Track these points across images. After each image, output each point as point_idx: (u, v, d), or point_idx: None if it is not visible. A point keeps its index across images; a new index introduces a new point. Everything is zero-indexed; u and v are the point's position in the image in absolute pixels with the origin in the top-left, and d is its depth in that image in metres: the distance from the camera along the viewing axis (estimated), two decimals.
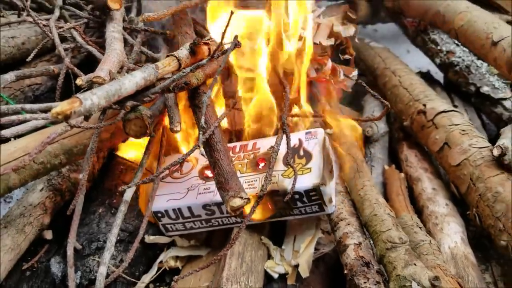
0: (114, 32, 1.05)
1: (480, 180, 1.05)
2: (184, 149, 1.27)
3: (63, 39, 1.29)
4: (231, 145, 1.21)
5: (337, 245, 1.04)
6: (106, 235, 1.11)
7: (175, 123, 1.01)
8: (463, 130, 1.18)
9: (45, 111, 0.94)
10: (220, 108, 1.27)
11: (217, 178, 0.96)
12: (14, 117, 0.86)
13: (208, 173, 1.15)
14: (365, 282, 0.91)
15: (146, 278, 1.14)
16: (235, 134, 1.30)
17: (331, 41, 1.48)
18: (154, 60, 1.19)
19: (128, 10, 1.40)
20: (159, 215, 1.13)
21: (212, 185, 1.09)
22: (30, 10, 1.14)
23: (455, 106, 1.59)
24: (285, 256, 1.13)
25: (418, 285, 0.86)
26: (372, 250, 1.00)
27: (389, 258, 0.93)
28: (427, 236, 1.04)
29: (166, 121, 1.13)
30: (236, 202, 0.91)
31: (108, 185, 1.25)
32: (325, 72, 1.27)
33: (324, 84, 1.41)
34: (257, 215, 1.10)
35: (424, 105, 1.30)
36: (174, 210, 1.11)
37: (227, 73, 1.32)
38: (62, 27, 1.19)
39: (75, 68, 1.10)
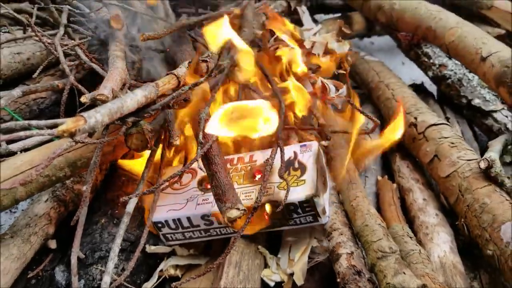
0: (116, 50, 1.10)
1: (468, 191, 1.09)
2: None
3: (66, 54, 1.34)
4: (229, 157, 1.25)
5: (330, 254, 1.08)
6: (108, 244, 1.16)
7: (174, 137, 1.05)
8: (452, 143, 1.22)
9: (51, 127, 0.98)
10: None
11: (214, 190, 1.01)
12: (22, 133, 0.90)
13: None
14: None
15: (147, 286, 1.18)
16: None
17: (327, 58, 1.53)
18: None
19: (130, 27, 1.45)
20: (160, 225, 1.17)
21: (210, 196, 1.13)
22: (35, 27, 1.19)
23: (447, 118, 1.64)
24: (281, 265, 1.17)
25: None
26: (364, 259, 1.04)
27: (380, 267, 0.97)
28: (417, 245, 1.08)
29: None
30: (233, 213, 0.96)
31: (110, 196, 1.29)
32: (315, 89, 1.32)
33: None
34: (255, 226, 1.15)
35: (415, 118, 1.35)
36: (174, 220, 1.15)
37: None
38: (66, 44, 1.24)
39: (79, 85, 1.14)
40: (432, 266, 1.03)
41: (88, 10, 1.50)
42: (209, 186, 1.17)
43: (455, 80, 1.67)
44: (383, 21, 1.77)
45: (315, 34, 1.71)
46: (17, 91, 1.14)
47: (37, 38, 1.18)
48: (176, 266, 1.22)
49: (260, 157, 1.22)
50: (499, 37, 1.77)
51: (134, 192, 1.05)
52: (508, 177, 1.09)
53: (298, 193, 1.07)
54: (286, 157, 1.16)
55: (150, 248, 1.20)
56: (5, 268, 1.05)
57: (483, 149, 1.42)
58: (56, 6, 1.49)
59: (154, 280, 1.19)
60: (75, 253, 1.02)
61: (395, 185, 1.35)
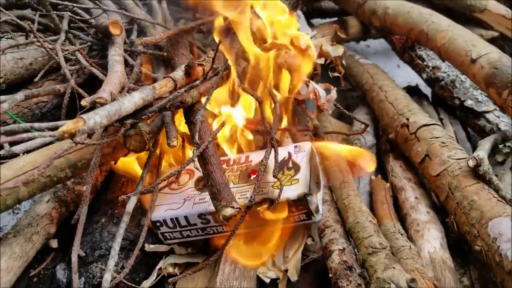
0: (115, 55, 1.13)
1: (457, 189, 1.12)
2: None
3: (67, 59, 1.38)
4: (225, 158, 1.28)
5: (323, 250, 1.11)
6: (108, 243, 1.19)
7: (172, 138, 1.09)
8: (443, 143, 1.25)
9: (52, 129, 1.02)
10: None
11: (210, 189, 1.04)
12: (24, 135, 0.93)
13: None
14: (347, 285, 0.98)
15: (146, 284, 1.20)
16: None
17: (321, 60, 1.56)
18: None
19: (129, 32, 1.49)
20: (158, 224, 1.20)
21: (207, 195, 1.16)
22: (37, 33, 1.23)
23: (441, 119, 1.67)
24: (276, 262, 1.20)
25: (396, 287, 0.93)
26: (355, 255, 1.08)
27: (370, 262, 1.00)
28: (407, 242, 1.11)
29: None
30: (228, 211, 0.99)
31: (110, 197, 1.33)
32: (307, 94, 1.36)
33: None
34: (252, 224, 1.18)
35: (407, 119, 1.38)
36: (171, 219, 1.18)
37: None
38: (67, 50, 1.28)
39: (80, 89, 1.18)
40: (422, 261, 1.06)
41: (88, 16, 1.54)
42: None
43: (448, 82, 1.70)
44: (377, 25, 1.81)
45: (310, 38, 1.75)
46: (19, 95, 1.17)
47: (39, 44, 1.21)
48: (175, 265, 1.25)
49: (256, 157, 1.25)
50: (492, 40, 1.82)
51: (133, 192, 1.09)
52: (496, 175, 1.13)
53: (292, 192, 1.11)
54: (280, 158, 1.19)
55: (149, 247, 1.23)
56: (8, 267, 1.09)
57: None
58: (58, 13, 1.52)
59: (153, 278, 1.23)
60: (76, 251, 1.05)
61: (388, 184, 1.38)
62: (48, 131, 1.01)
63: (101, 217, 1.27)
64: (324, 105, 1.38)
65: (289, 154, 1.22)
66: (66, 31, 1.39)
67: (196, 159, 1.03)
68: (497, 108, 1.55)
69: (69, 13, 1.46)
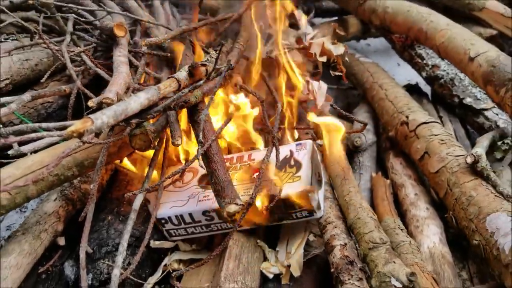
0: (120, 56, 1.16)
1: (456, 185, 1.14)
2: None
3: (72, 60, 1.40)
4: (228, 156, 1.31)
5: (325, 246, 1.14)
6: (114, 240, 1.21)
7: (176, 137, 1.11)
8: (442, 140, 1.27)
9: (60, 129, 1.05)
10: None
11: (214, 187, 1.07)
12: (33, 135, 0.96)
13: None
14: (349, 279, 1.01)
15: (152, 279, 1.23)
16: None
17: (323, 59, 1.59)
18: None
19: (132, 33, 1.51)
20: (163, 221, 1.23)
21: (211, 193, 1.19)
22: (43, 34, 1.25)
23: (441, 117, 1.69)
24: (279, 257, 1.22)
25: (396, 280, 0.96)
26: (357, 250, 1.10)
27: (371, 256, 1.03)
28: (407, 237, 1.13)
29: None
30: (232, 208, 1.02)
31: (116, 195, 1.36)
32: (306, 95, 1.38)
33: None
34: (257, 220, 1.20)
35: (407, 116, 1.41)
36: (176, 216, 1.21)
37: None
38: (73, 51, 1.30)
39: (86, 90, 1.21)
40: (421, 256, 1.08)
41: (92, 18, 1.56)
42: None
43: (448, 80, 1.72)
44: (377, 23, 1.83)
45: (312, 37, 1.77)
46: (26, 96, 1.20)
47: (45, 45, 1.24)
48: (180, 261, 1.28)
49: (258, 156, 1.28)
50: (491, 38, 1.84)
51: (139, 189, 1.11)
52: (495, 171, 1.15)
53: (294, 189, 1.13)
54: (282, 156, 1.22)
55: (155, 243, 1.26)
56: (18, 263, 1.11)
57: None
58: (62, 15, 1.55)
59: (158, 274, 1.25)
60: (84, 247, 1.08)
61: (388, 181, 1.41)
62: (55, 131, 1.03)
63: (107, 215, 1.29)
64: (322, 109, 1.40)
65: (291, 152, 1.24)
66: (71, 33, 1.41)
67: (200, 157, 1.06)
68: (496, 106, 1.58)
69: (73, 15, 1.48)
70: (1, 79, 1.37)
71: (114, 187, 1.40)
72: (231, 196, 1.03)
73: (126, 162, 1.31)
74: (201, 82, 1.07)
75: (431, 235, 1.19)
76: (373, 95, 1.66)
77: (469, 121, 1.65)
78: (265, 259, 1.24)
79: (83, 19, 1.54)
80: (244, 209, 1.05)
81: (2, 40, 1.63)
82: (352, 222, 1.13)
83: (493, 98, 1.33)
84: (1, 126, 1.06)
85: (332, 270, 1.06)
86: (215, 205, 1.15)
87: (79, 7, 1.52)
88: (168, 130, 1.16)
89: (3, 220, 1.48)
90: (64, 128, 1.04)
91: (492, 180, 1.10)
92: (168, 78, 1.07)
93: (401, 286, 0.95)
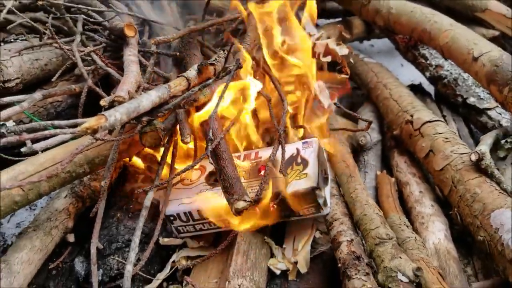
0: (130, 55, 1.18)
1: (460, 183, 1.16)
2: None
3: (82, 60, 1.42)
4: (236, 154, 1.33)
5: (331, 242, 1.16)
6: (124, 236, 1.24)
7: (185, 135, 1.13)
8: (446, 138, 1.29)
9: (71, 126, 1.07)
10: None
11: (223, 183, 1.09)
12: (46, 132, 0.98)
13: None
14: (356, 274, 1.02)
15: (161, 275, 1.25)
16: None
17: (328, 59, 1.60)
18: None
19: (140, 33, 1.54)
20: (172, 218, 1.25)
21: (218, 190, 1.21)
22: (54, 35, 1.27)
23: (444, 116, 1.71)
24: (286, 254, 1.24)
25: (403, 275, 0.98)
26: (363, 246, 1.12)
27: (378, 252, 1.05)
28: (413, 233, 1.15)
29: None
30: (240, 204, 1.03)
31: (124, 193, 1.38)
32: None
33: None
34: (266, 219, 1.22)
35: (412, 115, 1.43)
36: (185, 213, 1.23)
37: None
38: (83, 50, 1.33)
39: (97, 88, 1.23)
40: (427, 251, 1.10)
41: (101, 18, 1.59)
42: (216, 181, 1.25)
43: (451, 79, 1.74)
44: (381, 24, 1.85)
45: (318, 38, 1.79)
46: (38, 94, 1.22)
47: (56, 45, 1.26)
48: (188, 257, 1.30)
49: (265, 154, 1.30)
50: (494, 39, 1.85)
51: (149, 186, 1.13)
52: (498, 169, 1.16)
53: (300, 185, 1.15)
54: (289, 154, 1.24)
55: (163, 240, 1.28)
56: (29, 259, 1.13)
57: None
58: (71, 15, 1.57)
59: (167, 270, 1.27)
60: (95, 243, 1.10)
61: (393, 179, 1.43)
62: (68, 129, 1.06)
63: (116, 212, 1.31)
64: (327, 109, 1.42)
65: (298, 150, 1.26)
66: (81, 33, 1.44)
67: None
68: (499, 105, 1.59)
69: (83, 15, 1.50)
70: (12, 78, 1.39)
71: (123, 185, 1.42)
72: (239, 192, 1.05)
73: (136, 160, 1.33)
74: (210, 81, 1.09)
75: (436, 232, 1.21)
76: (378, 95, 1.68)
77: (473, 120, 1.66)
78: (272, 255, 1.26)
79: (92, 20, 1.57)
80: (252, 205, 1.07)
81: (12, 40, 1.65)
82: (359, 219, 1.15)
83: (497, 97, 1.35)
84: (14, 123, 1.08)
85: (339, 265, 1.08)
86: (224, 201, 1.16)
87: (89, 7, 1.55)
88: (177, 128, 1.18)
89: (13, 217, 1.49)
90: (75, 126, 1.06)
91: (496, 177, 1.12)
92: (178, 76, 1.09)
93: (407, 280, 0.97)
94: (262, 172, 1.24)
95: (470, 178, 1.14)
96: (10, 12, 1.62)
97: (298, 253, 1.22)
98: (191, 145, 1.25)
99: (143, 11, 1.58)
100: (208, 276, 1.23)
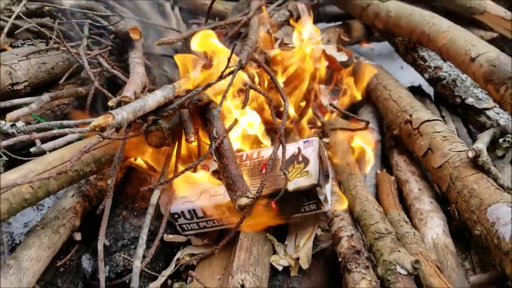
0: (136, 58, 1.22)
1: (458, 179, 1.18)
2: None
3: (89, 63, 1.46)
4: (238, 154, 1.36)
5: (332, 238, 1.18)
6: (130, 234, 1.26)
7: (190, 134, 1.16)
8: (444, 137, 1.32)
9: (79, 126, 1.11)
10: None
11: (226, 181, 1.12)
12: (55, 131, 1.02)
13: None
14: (356, 267, 1.05)
15: (166, 272, 1.28)
16: None
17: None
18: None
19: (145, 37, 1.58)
20: (176, 216, 1.28)
21: (221, 188, 1.24)
22: (62, 39, 1.31)
23: (443, 117, 1.73)
24: (288, 251, 1.27)
25: (401, 268, 1.00)
26: (363, 241, 1.14)
27: (377, 246, 1.07)
28: (411, 228, 1.18)
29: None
30: (243, 200, 1.07)
31: (130, 191, 1.41)
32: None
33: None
34: (269, 220, 1.25)
35: (411, 115, 1.45)
36: (189, 211, 1.26)
37: None
38: (89, 54, 1.37)
39: (104, 89, 1.26)
40: (425, 246, 1.13)
41: (106, 23, 1.63)
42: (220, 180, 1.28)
43: (450, 81, 1.76)
44: (381, 27, 1.88)
45: (319, 41, 1.82)
46: (46, 97, 1.26)
47: (63, 49, 1.30)
48: (192, 255, 1.32)
49: (267, 153, 1.32)
50: (492, 41, 1.88)
51: (155, 184, 1.16)
52: (495, 165, 1.19)
53: (302, 183, 1.18)
54: (290, 153, 1.27)
55: (168, 237, 1.31)
56: (38, 256, 1.16)
57: None
58: (77, 21, 1.61)
59: (171, 267, 1.30)
60: (102, 240, 1.13)
61: (393, 177, 1.45)
62: (76, 128, 1.09)
63: (122, 210, 1.34)
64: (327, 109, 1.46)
65: (299, 149, 1.29)
66: (88, 37, 1.48)
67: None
68: (497, 105, 1.62)
69: (89, 20, 1.54)
70: (21, 81, 1.43)
71: (128, 184, 1.45)
72: (242, 189, 1.08)
73: (140, 160, 1.36)
74: (214, 81, 1.13)
75: (435, 227, 1.23)
76: (378, 96, 1.71)
77: (471, 121, 1.69)
78: (275, 252, 1.29)
79: (98, 24, 1.61)
80: (254, 201, 1.10)
81: (19, 45, 1.70)
82: (359, 215, 1.18)
83: (494, 96, 1.37)
84: (24, 123, 1.12)
85: (339, 259, 1.10)
86: (227, 199, 1.19)
87: (94, 12, 1.59)
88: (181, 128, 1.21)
89: (21, 217, 1.53)
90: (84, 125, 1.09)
91: (493, 174, 1.14)
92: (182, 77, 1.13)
93: (406, 273, 0.99)
94: (264, 171, 1.27)
95: (468, 174, 1.17)
96: (17, 17, 1.67)
97: (300, 250, 1.25)
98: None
99: (148, 15, 1.62)
100: (212, 272, 1.25)
